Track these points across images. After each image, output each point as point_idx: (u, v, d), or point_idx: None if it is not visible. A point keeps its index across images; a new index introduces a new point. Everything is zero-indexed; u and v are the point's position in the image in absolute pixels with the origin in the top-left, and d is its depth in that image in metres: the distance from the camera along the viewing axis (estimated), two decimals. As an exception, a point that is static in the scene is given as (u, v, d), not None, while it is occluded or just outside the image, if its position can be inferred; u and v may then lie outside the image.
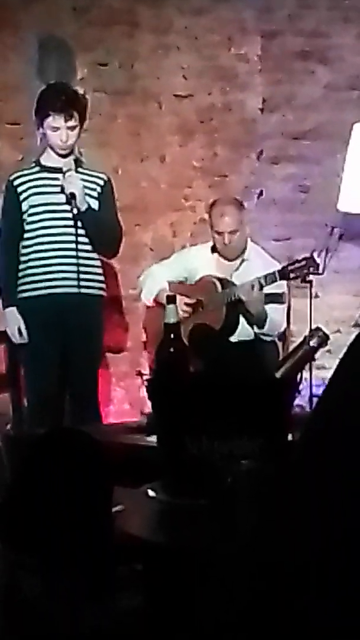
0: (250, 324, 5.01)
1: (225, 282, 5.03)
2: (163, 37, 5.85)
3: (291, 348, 4.49)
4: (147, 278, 5.22)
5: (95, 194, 4.87)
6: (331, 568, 1.31)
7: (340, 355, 1.49)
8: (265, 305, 4.98)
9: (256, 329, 5.01)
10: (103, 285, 4.94)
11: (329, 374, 1.50)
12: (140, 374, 5.65)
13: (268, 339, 5.07)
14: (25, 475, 2.13)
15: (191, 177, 5.92)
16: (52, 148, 4.86)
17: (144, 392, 5.09)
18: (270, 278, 4.89)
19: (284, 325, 5.16)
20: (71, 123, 4.79)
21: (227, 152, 5.94)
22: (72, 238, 4.76)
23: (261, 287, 4.90)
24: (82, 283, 4.76)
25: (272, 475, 2.16)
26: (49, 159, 4.88)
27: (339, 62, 5.94)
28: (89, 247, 4.83)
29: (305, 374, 4.67)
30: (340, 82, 5.94)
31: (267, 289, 4.96)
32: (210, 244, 5.15)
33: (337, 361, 1.49)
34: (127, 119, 5.82)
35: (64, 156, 4.86)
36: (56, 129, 4.79)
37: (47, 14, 5.68)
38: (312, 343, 3.25)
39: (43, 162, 4.90)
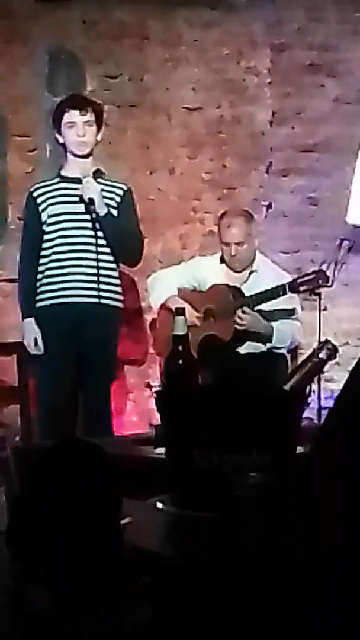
0: (257, 341, 5.01)
1: (235, 292, 5.03)
2: (172, 50, 5.87)
3: (300, 360, 4.48)
4: (155, 282, 5.23)
5: (114, 203, 4.88)
6: (333, 579, 1.31)
7: (349, 368, 1.49)
8: (277, 319, 4.99)
9: (265, 345, 5.01)
10: (120, 297, 4.93)
11: (337, 386, 1.50)
12: (149, 386, 5.65)
13: (279, 351, 5.06)
14: (34, 487, 2.13)
15: (200, 189, 5.92)
16: (71, 152, 4.87)
17: (152, 404, 5.11)
18: (276, 292, 4.89)
19: (298, 338, 5.14)
20: (87, 118, 4.82)
21: (236, 165, 5.94)
22: (92, 248, 4.77)
23: (255, 306, 4.90)
24: (102, 293, 4.76)
25: (281, 488, 2.16)
26: (69, 169, 4.90)
27: (348, 76, 5.95)
28: (109, 257, 4.83)
29: (314, 387, 4.66)
30: (350, 95, 5.95)
31: (279, 304, 4.96)
32: (219, 254, 5.17)
33: (345, 373, 1.48)
34: (137, 131, 5.83)
35: (83, 157, 4.86)
36: (72, 124, 4.82)
37: (56, 26, 5.70)
38: (321, 355, 3.24)
39: (63, 173, 4.92)
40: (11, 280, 5.46)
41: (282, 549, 1.39)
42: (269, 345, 5.01)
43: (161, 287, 5.17)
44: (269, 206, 5.96)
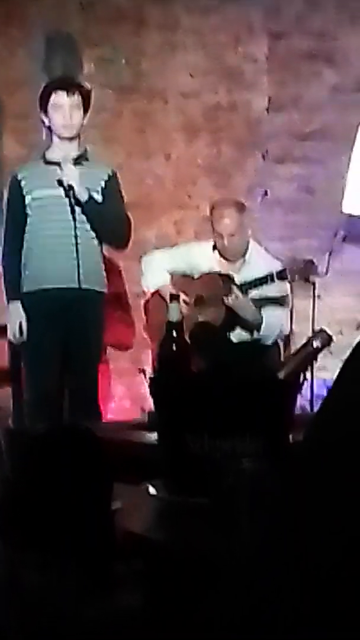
0: (245, 329, 5.00)
1: (226, 279, 5.02)
2: (170, 35, 5.86)
3: (294, 349, 4.49)
4: (149, 265, 5.22)
5: (99, 188, 4.85)
6: (327, 567, 1.31)
7: (342, 357, 1.49)
8: (265, 308, 4.98)
9: (253, 334, 5.00)
10: (104, 281, 4.92)
11: (330, 375, 1.50)
12: (142, 371, 5.66)
13: (267, 342, 5.05)
14: (26, 471, 2.14)
15: (196, 175, 5.92)
16: (57, 135, 4.83)
17: (144, 389, 5.11)
18: (264, 280, 4.88)
19: (285, 328, 5.13)
20: (74, 100, 4.77)
21: (232, 151, 5.94)
22: (71, 232, 4.74)
23: (246, 291, 4.90)
24: (82, 278, 4.75)
25: (274, 474, 2.16)
26: (53, 152, 4.86)
27: (345, 64, 5.94)
28: (90, 243, 4.81)
29: (307, 375, 4.67)
30: (347, 83, 5.94)
31: (269, 292, 4.95)
32: (213, 241, 5.16)
33: (338, 362, 1.49)
34: (133, 115, 5.83)
35: (69, 139, 4.82)
36: (59, 106, 4.76)
37: (54, 9, 5.69)
38: (315, 344, 3.24)
39: (47, 155, 4.90)
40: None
41: (274, 536, 1.39)
42: (256, 335, 5.00)
43: (155, 272, 5.16)
44: (264, 194, 5.96)
